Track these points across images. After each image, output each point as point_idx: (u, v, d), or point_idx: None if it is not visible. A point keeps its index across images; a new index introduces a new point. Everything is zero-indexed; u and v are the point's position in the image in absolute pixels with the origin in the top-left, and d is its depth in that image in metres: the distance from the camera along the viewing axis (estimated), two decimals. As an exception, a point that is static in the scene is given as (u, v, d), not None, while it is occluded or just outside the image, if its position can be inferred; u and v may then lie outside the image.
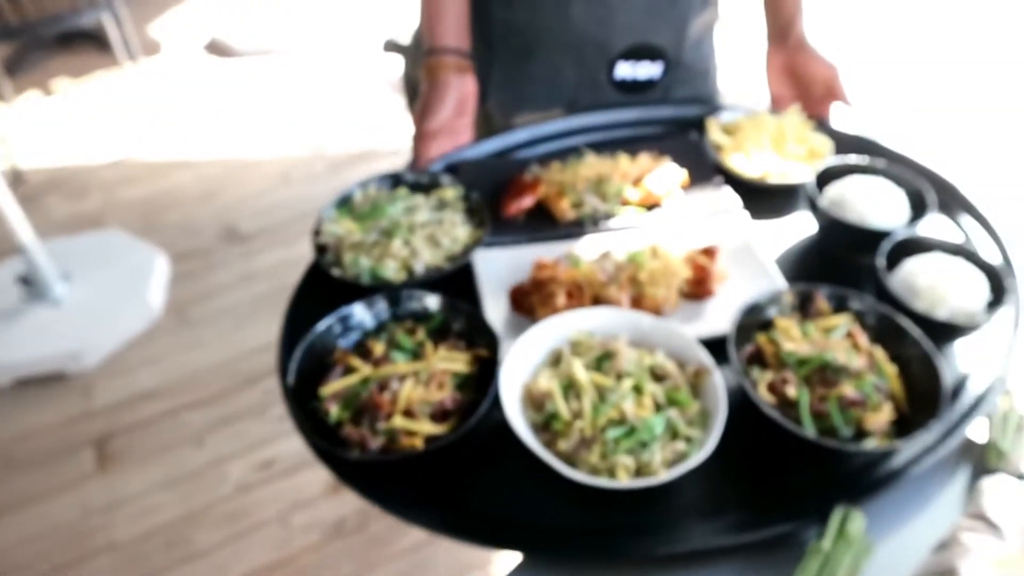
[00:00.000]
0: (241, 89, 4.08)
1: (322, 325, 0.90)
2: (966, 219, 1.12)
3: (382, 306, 0.94)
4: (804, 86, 1.29)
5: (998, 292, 0.94)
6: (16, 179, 3.35)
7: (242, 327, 2.63)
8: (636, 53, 1.27)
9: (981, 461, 0.85)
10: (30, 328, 2.57)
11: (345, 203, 1.10)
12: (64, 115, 3.91)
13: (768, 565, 0.77)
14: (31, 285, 2.62)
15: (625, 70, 1.29)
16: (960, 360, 0.94)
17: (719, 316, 0.97)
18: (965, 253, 0.98)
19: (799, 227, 1.13)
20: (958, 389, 0.90)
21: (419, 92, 1.24)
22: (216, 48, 4.44)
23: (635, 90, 1.32)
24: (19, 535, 2.03)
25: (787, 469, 0.82)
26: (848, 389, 0.83)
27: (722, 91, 1.45)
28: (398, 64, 1.52)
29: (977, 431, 0.87)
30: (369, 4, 4.81)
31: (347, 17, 4.73)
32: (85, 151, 3.62)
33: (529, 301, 0.97)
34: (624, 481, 0.76)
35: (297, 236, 2.91)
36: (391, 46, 1.46)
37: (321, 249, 1.05)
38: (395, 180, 1.14)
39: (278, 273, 2.82)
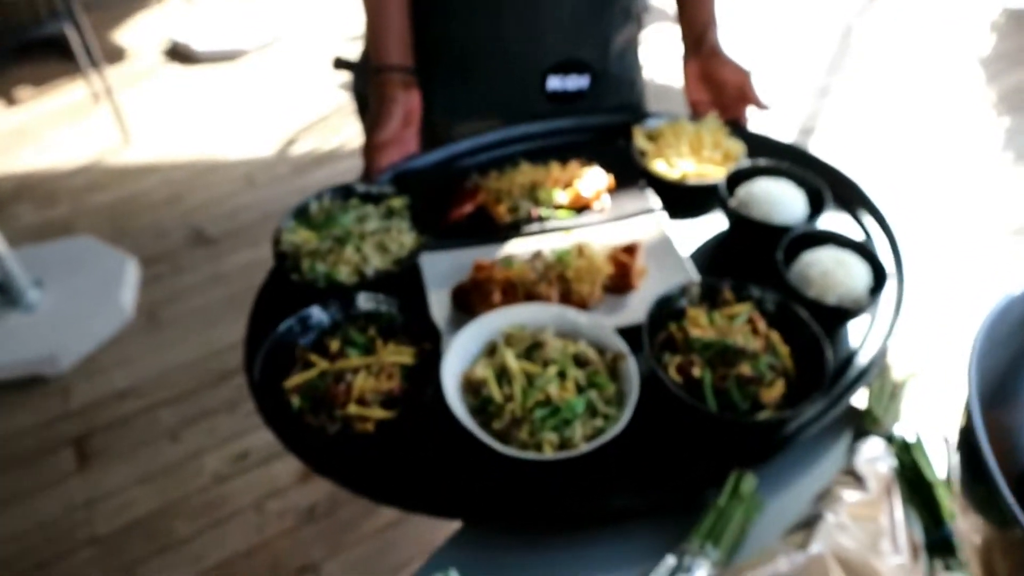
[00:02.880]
0: (204, 93, 4.14)
1: (283, 326, 1.01)
2: (864, 214, 1.25)
3: (337, 307, 1.05)
4: (718, 91, 1.41)
5: (880, 279, 1.07)
6: (-16, 188, 3.40)
7: (212, 327, 2.72)
8: (565, 67, 1.39)
9: (859, 426, 0.99)
10: (5, 334, 2.64)
11: (302, 214, 1.21)
12: (29, 123, 3.94)
13: (675, 523, 0.89)
14: (5, 292, 2.69)
15: (555, 83, 1.40)
16: (849, 339, 1.07)
17: (638, 308, 1.09)
18: (854, 245, 1.11)
19: (713, 225, 1.25)
20: (845, 365, 1.04)
21: (368, 105, 1.35)
22: (178, 53, 4.49)
23: (566, 100, 1.44)
24: (3, 533, 2.11)
25: (692, 440, 0.95)
26: (745, 368, 0.95)
27: (647, 98, 1.58)
28: (347, 79, 1.62)
29: (858, 399, 1.01)
30: (330, 7, 4.87)
31: (308, 20, 4.79)
32: (52, 159, 3.67)
33: (469, 299, 1.09)
34: (549, 454, 0.88)
35: (263, 237, 2.97)
36: (340, 63, 1.56)
37: (281, 256, 1.15)
38: (347, 192, 1.24)
39: (246, 274, 2.91)
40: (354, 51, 1.54)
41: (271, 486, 2.20)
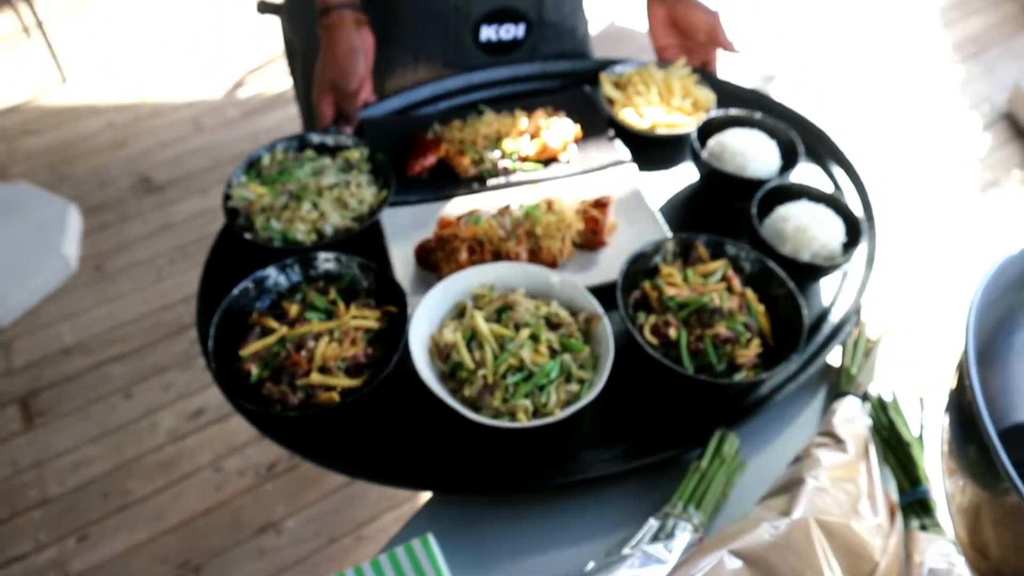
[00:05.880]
0: (146, 27, 3.90)
1: (237, 289, 0.95)
2: (834, 166, 1.22)
3: (294, 268, 0.99)
4: (687, 35, 1.36)
5: (854, 235, 1.05)
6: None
7: (162, 278, 2.62)
8: (498, 16, 1.32)
9: (835, 384, 0.98)
10: (-61, 289, 2.51)
11: (253, 166, 1.14)
12: (-48, 60, 3.69)
13: (654, 485, 0.87)
14: (-64, 244, 2.55)
15: (488, 32, 1.33)
16: (822, 295, 1.06)
17: (610, 265, 1.06)
18: (828, 199, 1.09)
19: (684, 177, 1.22)
20: (819, 322, 1.02)
21: (297, 54, 1.25)
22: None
23: (500, 51, 1.37)
24: (-53, 496, 2.04)
25: (669, 402, 0.93)
26: (722, 328, 0.93)
27: (606, 43, 1.51)
28: (275, 25, 1.51)
29: (833, 358, 1.00)
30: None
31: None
32: (-21, 99, 3.45)
33: (434, 257, 1.04)
34: (523, 422, 0.84)
35: (212, 185, 2.85)
36: (265, 7, 1.45)
37: (233, 213, 1.09)
38: (301, 142, 1.17)
39: (195, 223, 2.79)
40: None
41: (229, 443, 2.16)
